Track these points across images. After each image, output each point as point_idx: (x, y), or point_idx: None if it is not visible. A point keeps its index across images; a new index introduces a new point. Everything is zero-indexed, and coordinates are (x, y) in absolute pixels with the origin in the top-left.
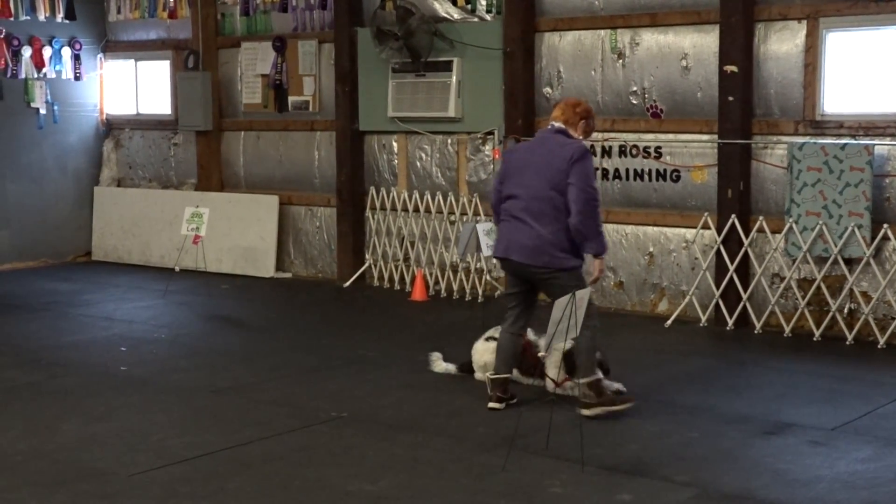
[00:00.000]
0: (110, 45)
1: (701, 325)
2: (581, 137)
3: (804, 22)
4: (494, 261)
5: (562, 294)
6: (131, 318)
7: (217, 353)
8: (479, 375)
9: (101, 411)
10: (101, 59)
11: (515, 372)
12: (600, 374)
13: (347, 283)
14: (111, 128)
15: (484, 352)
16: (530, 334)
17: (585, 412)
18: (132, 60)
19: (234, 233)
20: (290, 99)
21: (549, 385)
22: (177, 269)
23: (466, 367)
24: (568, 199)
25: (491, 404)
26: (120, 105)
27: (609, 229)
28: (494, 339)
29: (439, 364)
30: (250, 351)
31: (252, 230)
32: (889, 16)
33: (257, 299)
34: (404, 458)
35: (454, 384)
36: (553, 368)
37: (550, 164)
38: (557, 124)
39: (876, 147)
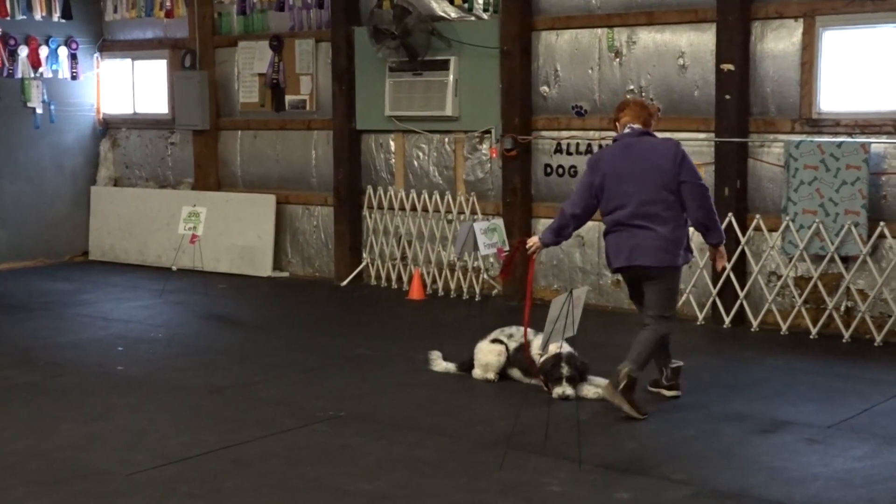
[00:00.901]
0: (107, 45)
1: (698, 323)
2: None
3: (801, 20)
4: (612, 271)
5: (667, 291)
6: (128, 317)
7: (214, 352)
8: (478, 374)
9: (98, 411)
10: (97, 58)
11: (516, 371)
12: (637, 375)
13: (345, 282)
14: (108, 127)
15: (488, 352)
16: (530, 334)
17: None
18: (129, 60)
19: (231, 232)
20: (287, 98)
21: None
22: (174, 268)
23: (466, 366)
24: (683, 197)
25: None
26: (117, 104)
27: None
28: (500, 341)
29: (439, 363)
30: (248, 350)
31: (249, 229)
32: (885, 14)
33: (254, 298)
34: (402, 457)
35: (452, 383)
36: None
37: (656, 166)
38: (636, 126)
39: (872, 145)
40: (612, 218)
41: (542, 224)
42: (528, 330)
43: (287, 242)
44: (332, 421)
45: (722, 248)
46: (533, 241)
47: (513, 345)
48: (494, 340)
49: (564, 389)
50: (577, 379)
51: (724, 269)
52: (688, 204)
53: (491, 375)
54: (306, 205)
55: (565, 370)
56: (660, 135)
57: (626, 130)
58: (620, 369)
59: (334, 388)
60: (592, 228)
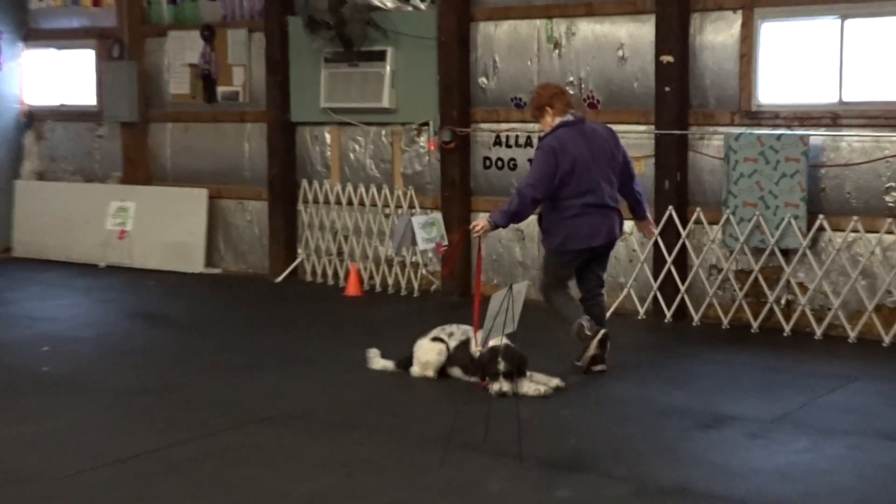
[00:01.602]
0: (32, 34)
1: (639, 317)
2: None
3: (739, 12)
4: (578, 250)
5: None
6: (54, 316)
7: (145, 351)
8: (417, 372)
9: (25, 414)
10: (21, 48)
11: (456, 370)
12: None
13: (279, 279)
14: (33, 119)
15: (428, 350)
16: (469, 332)
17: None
18: (55, 50)
19: (161, 227)
20: (220, 89)
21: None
22: (102, 265)
23: (405, 364)
24: (623, 177)
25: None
26: (42, 96)
27: None
28: (440, 339)
29: (377, 361)
30: (180, 349)
31: (180, 225)
32: (823, 6)
33: (186, 296)
34: (341, 457)
35: (391, 381)
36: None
37: (608, 150)
38: (578, 113)
39: (811, 137)
40: (582, 201)
41: (482, 218)
42: (468, 328)
43: (220, 238)
44: (267, 421)
45: (650, 220)
46: (480, 223)
47: (453, 343)
48: (435, 339)
49: (501, 386)
50: (514, 374)
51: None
52: (627, 183)
53: (430, 373)
54: (239, 199)
55: (502, 366)
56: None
57: (569, 117)
58: (602, 332)
59: (270, 387)
60: (532, 222)
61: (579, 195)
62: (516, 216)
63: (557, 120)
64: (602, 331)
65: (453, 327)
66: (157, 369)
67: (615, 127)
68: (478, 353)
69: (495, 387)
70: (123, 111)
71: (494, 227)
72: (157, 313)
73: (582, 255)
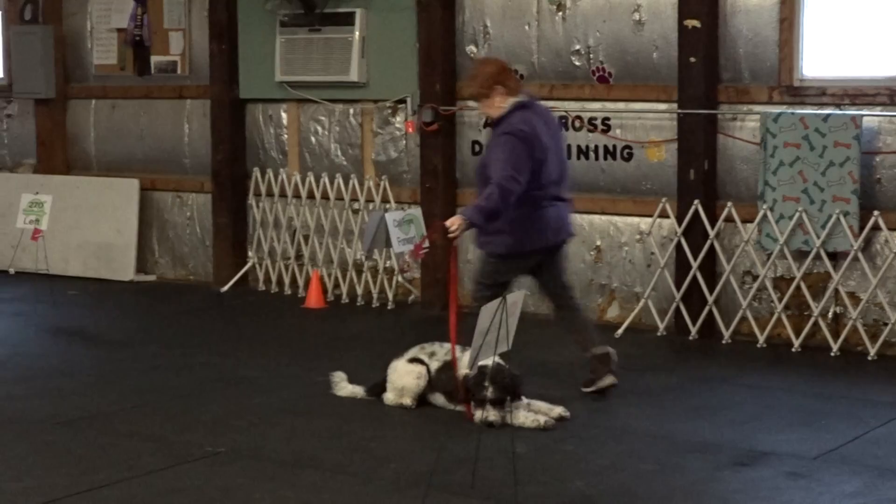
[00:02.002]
0: None
1: (658, 334)
2: None
3: None
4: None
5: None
6: None
7: (64, 375)
8: (391, 399)
9: None
10: None
11: (439, 397)
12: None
13: (226, 287)
14: None
15: (405, 374)
16: (458, 350)
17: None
18: None
19: (83, 226)
20: (154, 59)
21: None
22: (11, 271)
23: (377, 390)
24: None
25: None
26: None
27: None
28: (420, 360)
29: (343, 386)
30: (106, 372)
31: (107, 222)
32: None
33: (114, 308)
34: (298, 503)
35: (360, 411)
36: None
37: (561, 135)
38: (530, 91)
39: (864, 118)
40: (549, 192)
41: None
42: (456, 345)
43: (154, 238)
44: (210, 459)
45: None
46: (455, 221)
47: (435, 365)
48: (413, 360)
49: (487, 414)
50: (504, 401)
51: None
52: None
53: (407, 401)
54: (177, 192)
55: (490, 391)
56: (614, 105)
57: (524, 97)
58: (607, 352)
59: (213, 418)
60: None
61: (544, 187)
62: (495, 214)
63: (511, 101)
64: (610, 353)
65: (435, 346)
66: (77, 397)
67: (631, 105)
68: (464, 377)
69: (480, 415)
70: (37, 85)
71: (469, 226)
72: (79, 329)
73: (534, 258)
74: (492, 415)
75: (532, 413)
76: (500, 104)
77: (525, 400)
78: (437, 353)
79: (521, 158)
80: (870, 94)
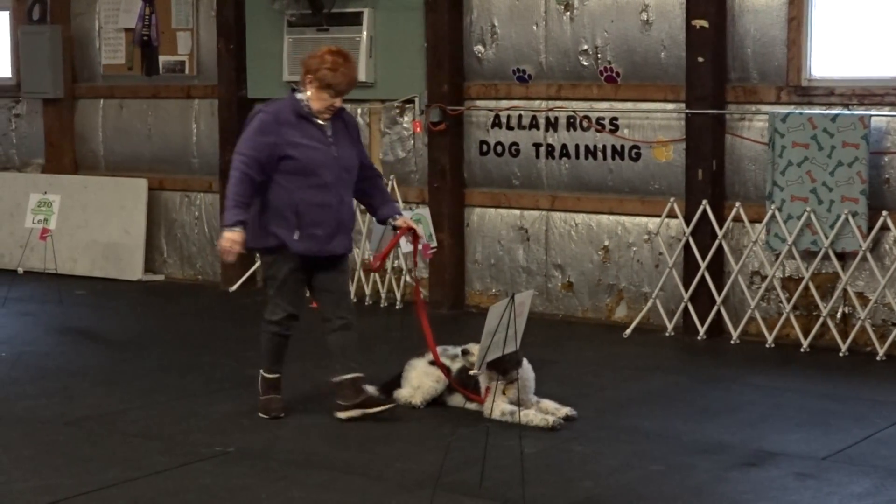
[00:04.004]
0: None
1: (667, 334)
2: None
3: None
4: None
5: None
6: None
7: (71, 375)
8: (404, 396)
9: None
10: None
11: (457, 398)
12: (359, 373)
13: (234, 287)
14: None
15: (424, 374)
16: (473, 346)
17: (339, 415)
18: None
19: (91, 225)
20: (161, 59)
21: (486, 409)
22: (20, 270)
23: (390, 387)
24: None
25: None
26: None
27: (555, 218)
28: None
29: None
30: (113, 372)
31: (114, 222)
32: None
33: (122, 308)
34: (305, 503)
35: None
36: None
37: None
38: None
39: (873, 118)
40: None
41: (477, 214)
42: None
43: (162, 238)
44: (218, 459)
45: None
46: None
47: (456, 366)
48: (433, 363)
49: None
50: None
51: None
52: None
53: (417, 400)
54: (186, 191)
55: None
56: (622, 105)
57: None
58: (355, 380)
59: (221, 418)
60: (538, 219)
61: None
62: None
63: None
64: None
65: (458, 349)
66: (84, 396)
67: (639, 105)
68: (476, 376)
69: (489, 405)
70: (45, 85)
71: None
72: (86, 329)
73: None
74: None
75: (540, 413)
76: None
77: (534, 399)
78: (460, 357)
79: None
80: (878, 94)
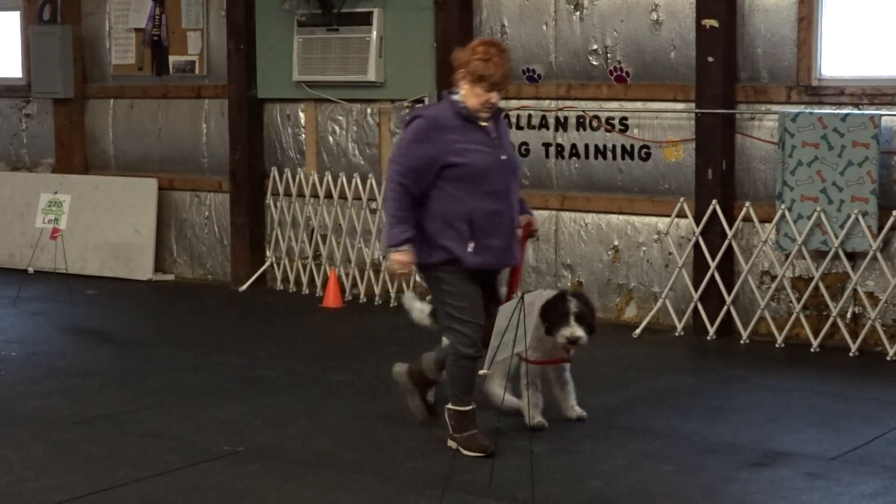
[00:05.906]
0: None
1: (676, 334)
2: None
3: None
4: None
5: None
6: None
7: (82, 374)
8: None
9: None
10: None
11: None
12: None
13: (244, 287)
14: None
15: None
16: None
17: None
18: None
19: (102, 225)
20: (172, 59)
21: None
22: (30, 270)
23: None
24: None
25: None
26: None
27: (564, 218)
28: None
29: (414, 305)
30: (124, 371)
31: (125, 222)
32: None
33: (132, 308)
34: (316, 502)
35: (377, 410)
36: (499, 388)
37: None
38: None
39: (883, 118)
40: None
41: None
42: None
43: (172, 238)
44: (228, 458)
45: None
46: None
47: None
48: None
49: (573, 330)
50: (587, 320)
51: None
52: None
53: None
54: (195, 191)
55: (573, 305)
56: (631, 105)
57: None
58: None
59: (231, 417)
60: (548, 219)
61: None
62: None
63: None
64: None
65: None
66: (94, 395)
67: (649, 104)
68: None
69: (565, 332)
70: (56, 85)
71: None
72: (97, 328)
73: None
74: (577, 331)
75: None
76: None
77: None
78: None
79: None
80: (888, 93)
